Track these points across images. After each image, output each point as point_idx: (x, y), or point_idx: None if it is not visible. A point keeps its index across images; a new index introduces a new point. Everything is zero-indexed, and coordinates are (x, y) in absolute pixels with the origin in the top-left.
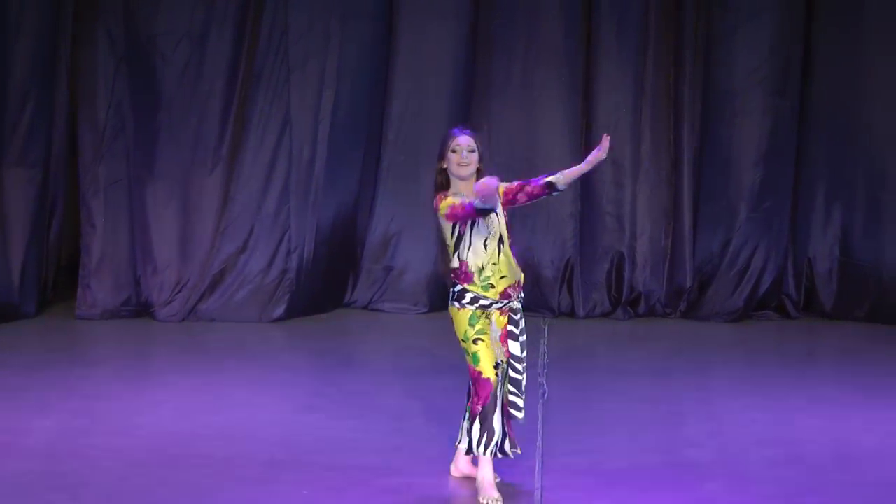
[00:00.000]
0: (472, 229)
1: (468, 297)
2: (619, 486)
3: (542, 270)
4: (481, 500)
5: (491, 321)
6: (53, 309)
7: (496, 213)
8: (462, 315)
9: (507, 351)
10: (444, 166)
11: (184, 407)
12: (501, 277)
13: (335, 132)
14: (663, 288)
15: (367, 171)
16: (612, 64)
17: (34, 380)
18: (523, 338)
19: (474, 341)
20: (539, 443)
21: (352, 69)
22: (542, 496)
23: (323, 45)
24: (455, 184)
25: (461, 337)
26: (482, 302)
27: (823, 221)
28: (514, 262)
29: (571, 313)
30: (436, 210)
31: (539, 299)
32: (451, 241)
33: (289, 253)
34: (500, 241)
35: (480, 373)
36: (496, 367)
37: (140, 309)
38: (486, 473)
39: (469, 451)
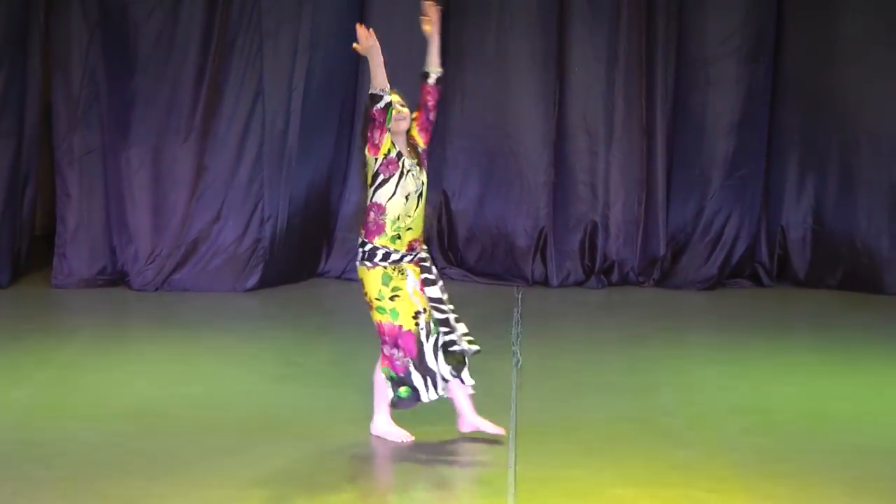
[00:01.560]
0: (399, 180)
1: (379, 254)
2: (593, 453)
3: (515, 239)
4: (398, 441)
5: (407, 274)
6: (27, 279)
7: (423, 173)
8: (373, 275)
9: (428, 297)
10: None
11: (158, 377)
12: (408, 230)
13: (308, 101)
14: (637, 256)
15: (340, 141)
16: (586, 32)
17: (8, 350)
18: (441, 282)
19: (391, 298)
20: (513, 411)
21: (324, 38)
22: (515, 460)
23: (295, 14)
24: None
25: (374, 296)
26: (394, 257)
27: (797, 189)
28: (423, 221)
29: (545, 282)
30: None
31: (512, 268)
32: (370, 179)
33: (262, 223)
34: (420, 197)
35: (401, 326)
36: (417, 315)
37: (116, 278)
38: (385, 419)
39: (395, 405)
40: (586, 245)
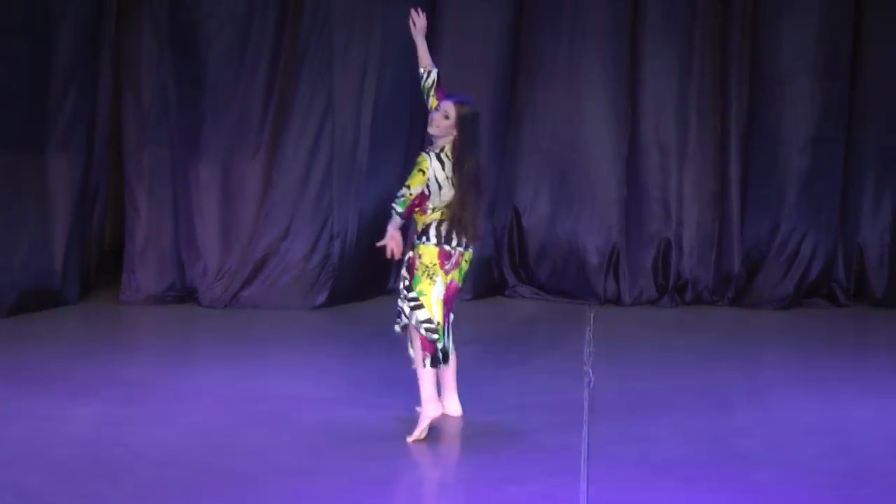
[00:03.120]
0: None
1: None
2: (666, 475)
3: (587, 257)
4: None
5: None
6: (96, 294)
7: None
8: None
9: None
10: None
11: (226, 394)
12: None
13: (378, 118)
14: (711, 275)
15: (410, 157)
16: (658, 48)
17: (76, 367)
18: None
19: None
20: (584, 431)
21: (394, 54)
22: (587, 481)
23: (366, 28)
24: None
25: None
26: None
27: (873, 207)
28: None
29: (617, 300)
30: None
31: (585, 286)
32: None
33: (331, 239)
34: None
35: None
36: None
37: (184, 294)
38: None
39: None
40: (659, 263)
